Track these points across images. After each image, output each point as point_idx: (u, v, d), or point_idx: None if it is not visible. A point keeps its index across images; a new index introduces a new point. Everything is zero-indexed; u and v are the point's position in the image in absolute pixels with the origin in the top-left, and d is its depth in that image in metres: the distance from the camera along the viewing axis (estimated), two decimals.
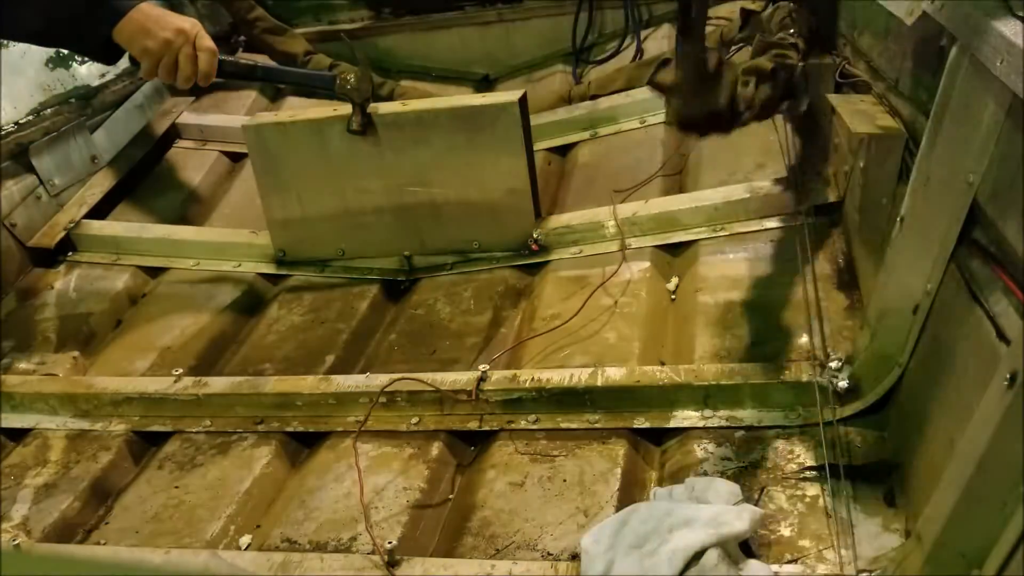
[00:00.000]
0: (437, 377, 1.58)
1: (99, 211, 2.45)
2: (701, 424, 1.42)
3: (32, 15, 1.67)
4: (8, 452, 1.72)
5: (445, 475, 1.48)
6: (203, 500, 1.50)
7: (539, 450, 1.45)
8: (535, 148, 2.08)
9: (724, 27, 2.40)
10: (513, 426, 1.51)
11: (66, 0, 1.66)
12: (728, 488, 1.20)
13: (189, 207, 2.55)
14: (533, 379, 1.53)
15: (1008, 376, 0.81)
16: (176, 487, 1.54)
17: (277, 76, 2.19)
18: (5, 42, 2.26)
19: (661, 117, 2.36)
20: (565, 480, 1.37)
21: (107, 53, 1.75)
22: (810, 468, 1.28)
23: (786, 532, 1.18)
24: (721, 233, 1.85)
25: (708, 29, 2.68)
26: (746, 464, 1.32)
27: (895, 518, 1.16)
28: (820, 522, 1.18)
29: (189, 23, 1.72)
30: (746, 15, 2.26)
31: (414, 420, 1.57)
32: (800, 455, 1.31)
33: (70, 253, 2.34)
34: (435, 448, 1.51)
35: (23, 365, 1.96)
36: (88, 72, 2.54)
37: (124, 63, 2.34)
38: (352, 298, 2.02)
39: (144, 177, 2.65)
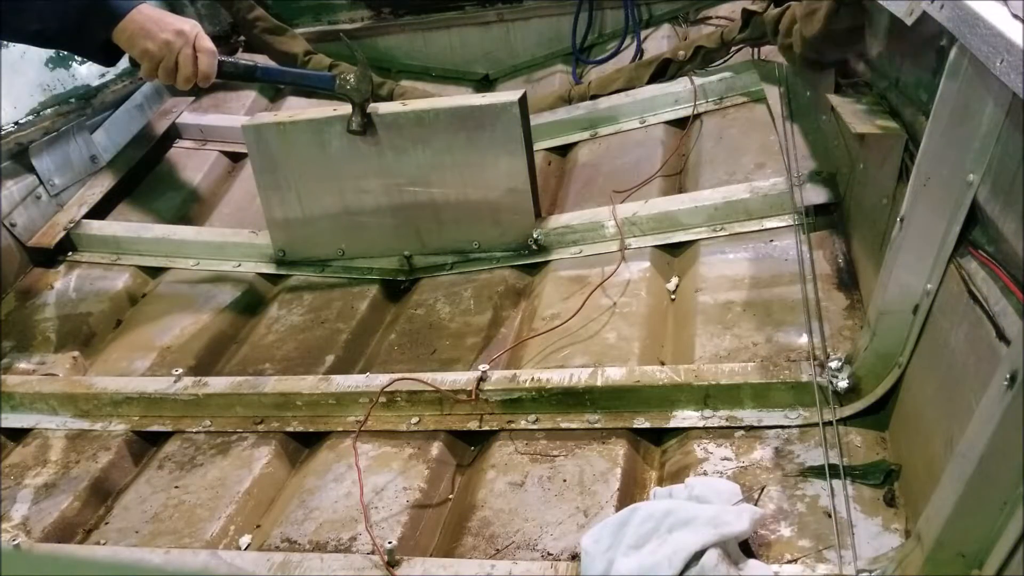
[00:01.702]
0: (437, 377, 1.58)
1: (99, 211, 2.45)
2: (701, 424, 1.42)
3: (31, 17, 1.67)
4: (8, 452, 1.72)
5: (445, 475, 1.48)
6: (203, 500, 1.50)
7: (539, 450, 1.45)
8: (535, 148, 2.08)
9: (725, 29, 2.40)
10: (513, 426, 1.51)
11: (65, 2, 1.66)
12: (728, 488, 1.20)
13: (189, 207, 2.55)
14: (533, 379, 1.53)
15: (1008, 376, 0.81)
16: (176, 487, 1.54)
17: (277, 76, 2.19)
18: (5, 42, 2.26)
19: (661, 117, 2.37)
20: (565, 480, 1.37)
21: (106, 54, 1.75)
22: (810, 468, 1.28)
23: (786, 532, 1.18)
24: (721, 233, 1.85)
25: (708, 30, 2.70)
26: (746, 464, 1.32)
27: (895, 518, 1.16)
28: (820, 522, 1.18)
29: (188, 24, 1.72)
30: (748, 16, 2.26)
31: (414, 420, 1.57)
32: (800, 455, 1.31)
33: (70, 253, 2.34)
34: (435, 448, 1.51)
35: (23, 365, 1.96)
36: (88, 72, 2.54)
37: (124, 63, 2.35)
38: (352, 298, 2.02)
39: (144, 177, 2.65)
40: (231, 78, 1.90)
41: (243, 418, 1.67)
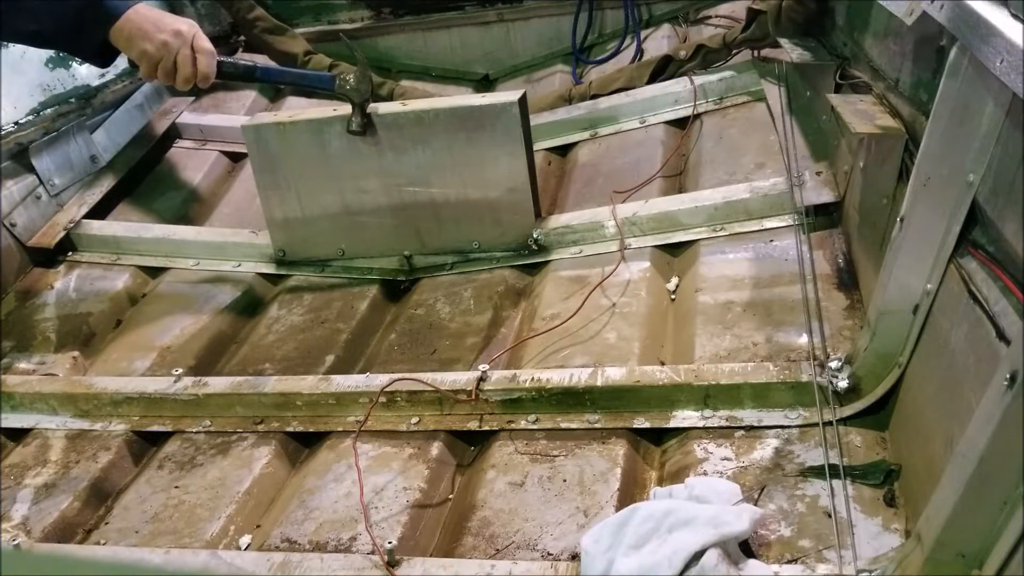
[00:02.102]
0: (437, 377, 1.58)
1: (99, 211, 2.45)
2: (701, 424, 1.42)
3: (28, 17, 1.66)
4: (8, 452, 1.72)
5: (445, 475, 1.48)
6: (203, 500, 1.50)
7: (539, 450, 1.45)
8: (535, 148, 2.08)
9: (727, 31, 2.40)
10: (513, 426, 1.51)
11: (62, 2, 1.65)
12: (728, 488, 1.20)
13: (189, 207, 2.55)
14: (533, 379, 1.53)
15: (1008, 376, 0.81)
16: (176, 487, 1.54)
17: (276, 76, 2.19)
18: (4, 43, 2.26)
19: (661, 117, 2.37)
20: (565, 480, 1.37)
21: (103, 55, 1.75)
22: (810, 468, 1.28)
23: (786, 532, 1.18)
24: (721, 233, 1.85)
25: (708, 30, 2.70)
26: (746, 464, 1.32)
27: (895, 518, 1.16)
28: (820, 522, 1.18)
29: (186, 24, 1.71)
30: (753, 15, 2.26)
31: (414, 420, 1.57)
32: (800, 455, 1.31)
33: (70, 253, 2.34)
34: (435, 448, 1.51)
35: (23, 365, 1.96)
36: (88, 72, 2.54)
37: (123, 63, 2.34)
38: (352, 298, 2.02)
39: (144, 177, 2.65)
40: (231, 78, 1.90)
41: (243, 418, 1.67)
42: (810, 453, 1.31)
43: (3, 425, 1.78)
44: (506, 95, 1.95)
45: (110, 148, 2.59)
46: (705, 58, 2.39)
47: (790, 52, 2.05)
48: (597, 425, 1.46)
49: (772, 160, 1.98)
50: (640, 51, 2.82)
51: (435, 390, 1.55)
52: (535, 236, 1.99)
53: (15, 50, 2.30)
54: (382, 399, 1.58)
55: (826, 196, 1.77)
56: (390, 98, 2.65)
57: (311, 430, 1.63)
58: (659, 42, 2.82)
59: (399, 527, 1.35)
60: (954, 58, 1.10)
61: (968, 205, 1.10)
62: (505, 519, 1.32)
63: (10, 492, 1.59)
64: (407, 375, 1.58)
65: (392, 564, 1.23)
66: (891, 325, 1.27)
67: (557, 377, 1.52)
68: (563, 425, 1.49)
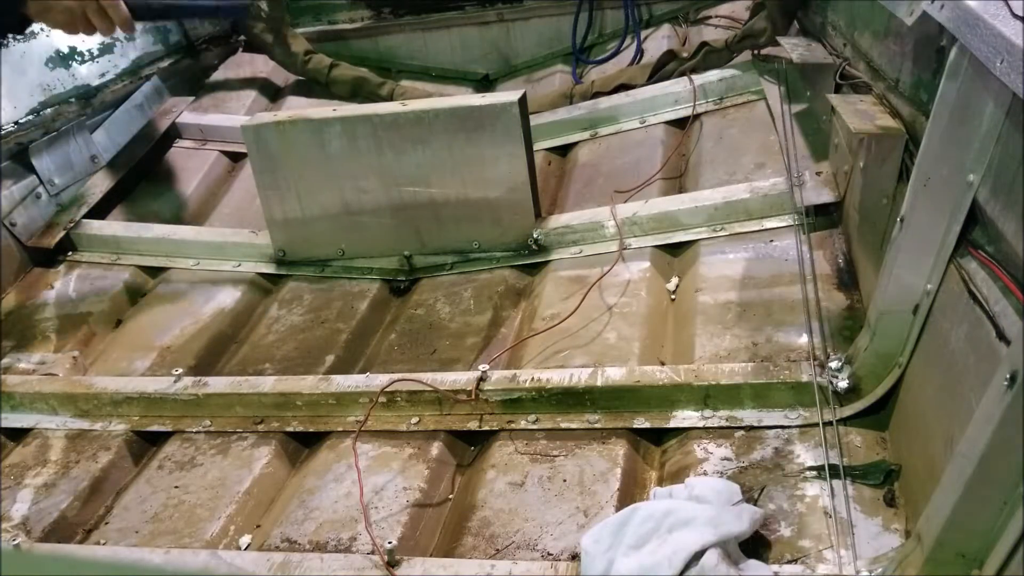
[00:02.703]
0: (437, 377, 1.58)
1: (99, 211, 2.45)
2: (701, 424, 1.42)
3: None
4: (8, 452, 1.72)
5: (445, 475, 1.48)
6: (203, 500, 1.50)
7: (539, 450, 1.45)
8: (535, 148, 2.08)
9: (729, 33, 2.40)
10: (513, 426, 1.51)
11: None
12: (728, 488, 1.20)
13: (189, 207, 2.55)
14: (533, 379, 1.53)
15: (1008, 376, 0.81)
16: (176, 487, 1.54)
17: (190, 10, 2.22)
18: (5, 41, 2.25)
19: (661, 117, 2.37)
20: (565, 480, 1.37)
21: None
22: (810, 468, 1.28)
23: (786, 532, 1.18)
24: (721, 233, 1.85)
25: (710, 31, 2.70)
26: (746, 464, 1.32)
27: (895, 518, 1.16)
28: (820, 522, 1.18)
29: None
30: (756, 8, 2.26)
31: (414, 420, 1.57)
32: (800, 455, 1.31)
33: (70, 253, 2.34)
34: (435, 448, 1.51)
35: (23, 365, 1.96)
36: (88, 72, 2.54)
37: (124, 63, 2.34)
38: (352, 298, 2.02)
39: (144, 177, 2.65)
40: (151, 19, 1.91)
41: (243, 418, 1.67)
42: (810, 453, 1.31)
43: (3, 425, 1.78)
44: (506, 95, 1.95)
45: (110, 148, 2.59)
46: (706, 58, 2.39)
47: (790, 52, 2.05)
48: (597, 425, 1.46)
49: (772, 160, 1.98)
50: (640, 51, 2.82)
51: (435, 390, 1.55)
52: (535, 236, 1.99)
53: (15, 50, 2.30)
54: (382, 399, 1.58)
55: (826, 196, 1.77)
56: (390, 98, 2.65)
57: (311, 430, 1.63)
58: (659, 42, 2.82)
59: (399, 527, 1.35)
60: (954, 58, 1.10)
61: (968, 205, 1.10)
62: (505, 519, 1.32)
63: (10, 492, 1.59)
64: (407, 375, 1.58)
65: (392, 564, 1.23)
66: (891, 325, 1.27)
67: (557, 377, 1.52)
68: (563, 425, 1.49)
